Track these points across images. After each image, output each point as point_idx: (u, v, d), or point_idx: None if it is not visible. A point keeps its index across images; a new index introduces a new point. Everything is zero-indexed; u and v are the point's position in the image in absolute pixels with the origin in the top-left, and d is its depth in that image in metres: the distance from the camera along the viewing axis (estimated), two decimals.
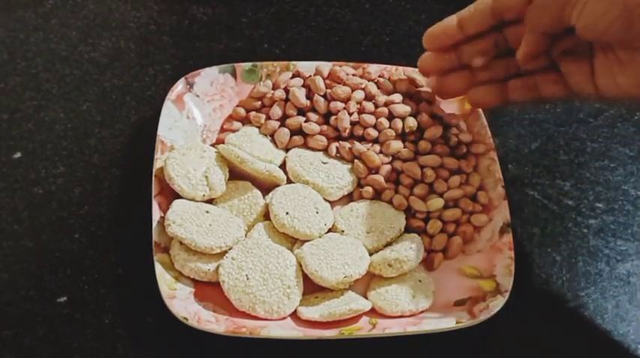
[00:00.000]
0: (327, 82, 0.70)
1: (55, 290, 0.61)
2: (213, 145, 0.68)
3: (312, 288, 0.61)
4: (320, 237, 0.63)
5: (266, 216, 0.64)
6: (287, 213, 0.62)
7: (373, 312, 0.60)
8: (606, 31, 0.53)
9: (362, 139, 0.68)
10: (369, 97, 0.69)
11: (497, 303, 0.58)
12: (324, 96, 0.69)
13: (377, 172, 0.66)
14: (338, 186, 0.66)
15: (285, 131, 0.69)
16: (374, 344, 0.59)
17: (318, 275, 0.60)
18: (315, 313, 0.58)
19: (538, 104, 0.72)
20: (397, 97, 0.69)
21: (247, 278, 0.59)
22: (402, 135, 0.68)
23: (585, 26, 0.53)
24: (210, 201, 0.64)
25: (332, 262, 0.60)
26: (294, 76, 0.71)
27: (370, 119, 0.68)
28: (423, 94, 0.69)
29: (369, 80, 0.70)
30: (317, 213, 0.63)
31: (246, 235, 0.62)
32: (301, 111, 0.69)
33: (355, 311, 0.58)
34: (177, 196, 0.63)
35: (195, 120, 0.70)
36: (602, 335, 0.61)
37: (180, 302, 0.58)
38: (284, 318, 0.59)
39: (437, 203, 0.64)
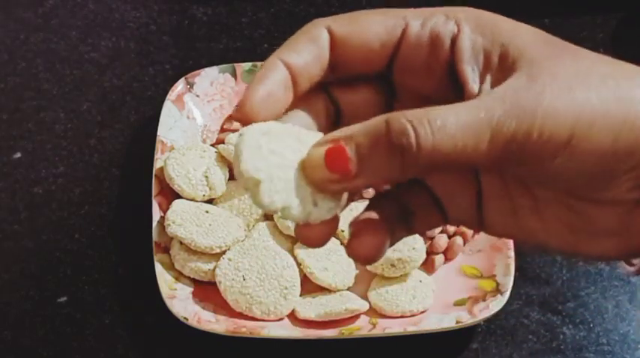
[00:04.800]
0: None
1: (55, 290, 0.61)
2: (213, 145, 0.68)
3: (311, 288, 0.61)
4: None
5: (266, 216, 0.64)
6: None
7: (373, 312, 0.60)
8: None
9: None
10: None
11: (497, 303, 0.58)
12: None
13: None
14: None
15: None
16: (374, 344, 0.59)
17: (315, 276, 0.60)
18: (312, 312, 0.59)
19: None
20: None
21: (244, 279, 0.59)
22: None
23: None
24: (211, 201, 0.64)
25: (327, 263, 0.61)
26: None
27: None
28: None
29: None
30: None
31: (246, 235, 0.62)
32: None
33: (351, 311, 0.58)
34: (178, 196, 0.63)
35: (195, 120, 0.69)
36: (602, 334, 0.61)
37: (180, 302, 0.58)
38: (281, 319, 0.59)
39: None
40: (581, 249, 0.32)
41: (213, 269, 0.60)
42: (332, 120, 0.33)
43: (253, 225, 0.63)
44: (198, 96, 0.70)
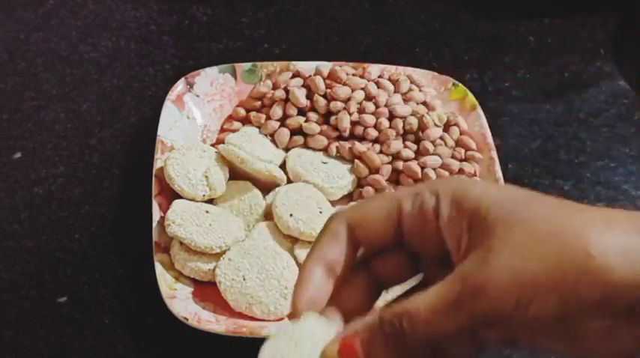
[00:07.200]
0: (327, 82, 0.70)
1: (55, 290, 0.61)
2: (213, 145, 0.68)
3: None
4: None
5: (266, 216, 0.64)
6: (291, 215, 0.62)
7: None
8: None
9: (362, 139, 0.68)
10: (369, 97, 0.69)
11: None
12: (324, 96, 0.69)
13: (377, 172, 0.66)
14: (338, 186, 0.66)
15: (285, 131, 0.69)
16: None
17: None
18: None
19: None
20: (397, 98, 0.69)
21: (244, 280, 0.59)
22: (402, 136, 0.68)
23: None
24: (211, 201, 0.64)
25: None
26: (294, 76, 0.71)
27: (370, 119, 0.68)
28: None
29: (369, 80, 0.70)
30: (320, 212, 0.63)
31: (246, 235, 0.62)
32: (301, 111, 0.69)
33: None
34: (177, 196, 0.63)
35: (195, 120, 0.69)
36: None
37: (180, 302, 0.58)
38: (281, 319, 0.59)
39: None
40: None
41: (213, 269, 0.60)
42: (376, 289, 0.38)
43: (253, 225, 0.63)
44: (198, 96, 0.70)
